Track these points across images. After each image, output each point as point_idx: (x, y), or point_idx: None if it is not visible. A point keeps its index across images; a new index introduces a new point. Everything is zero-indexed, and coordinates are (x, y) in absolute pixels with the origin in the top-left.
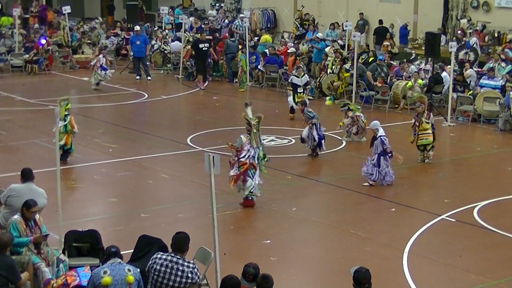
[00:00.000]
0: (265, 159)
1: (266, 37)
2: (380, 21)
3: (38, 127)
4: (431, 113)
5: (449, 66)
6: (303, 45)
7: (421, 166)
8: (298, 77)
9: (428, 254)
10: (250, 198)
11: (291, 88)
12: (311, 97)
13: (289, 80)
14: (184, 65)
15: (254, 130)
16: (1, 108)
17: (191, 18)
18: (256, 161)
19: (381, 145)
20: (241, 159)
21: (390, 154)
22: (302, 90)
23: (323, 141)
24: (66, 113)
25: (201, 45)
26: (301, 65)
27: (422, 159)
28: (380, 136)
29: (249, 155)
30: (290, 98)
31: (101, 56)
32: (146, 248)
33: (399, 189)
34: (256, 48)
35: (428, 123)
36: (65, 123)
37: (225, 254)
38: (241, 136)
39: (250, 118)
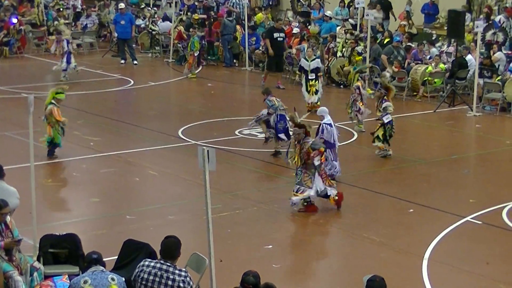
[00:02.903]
0: None
1: (260, 15)
2: None
3: (9, 118)
4: (386, 102)
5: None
6: (314, 25)
7: (443, 162)
8: (307, 60)
9: (451, 261)
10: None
11: (299, 73)
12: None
13: (299, 64)
14: (175, 47)
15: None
16: None
17: None
18: None
19: (320, 133)
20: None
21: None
22: (314, 77)
23: (281, 135)
24: (53, 101)
25: (276, 34)
26: (311, 46)
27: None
28: (323, 123)
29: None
30: (303, 89)
31: (63, 42)
32: (132, 255)
33: (418, 187)
34: (255, 28)
35: (380, 111)
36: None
37: (222, 261)
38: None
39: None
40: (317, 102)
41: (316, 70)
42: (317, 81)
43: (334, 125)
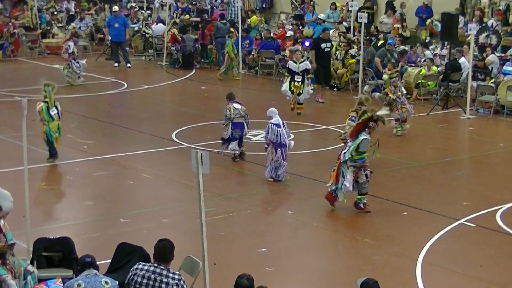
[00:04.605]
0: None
1: (254, 18)
2: None
3: (2, 120)
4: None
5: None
6: (308, 28)
7: (436, 164)
8: (296, 62)
9: (444, 264)
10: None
11: (288, 75)
12: (313, 87)
13: (286, 65)
14: (168, 50)
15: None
16: None
17: None
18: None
19: (265, 133)
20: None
21: (266, 146)
22: (300, 79)
23: (233, 143)
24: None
25: (323, 45)
26: (300, 49)
27: None
28: (270, 123)
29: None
30: (284, 86)
31: (71, 42)
32: (125, 258)
33: (411, 190)
34: (249, 31)
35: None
36: (56, 112)
37: (215, 264)
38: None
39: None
40: (302, 104)
41: (304, 72)
42: (302, 84)
43: (284, 125)
